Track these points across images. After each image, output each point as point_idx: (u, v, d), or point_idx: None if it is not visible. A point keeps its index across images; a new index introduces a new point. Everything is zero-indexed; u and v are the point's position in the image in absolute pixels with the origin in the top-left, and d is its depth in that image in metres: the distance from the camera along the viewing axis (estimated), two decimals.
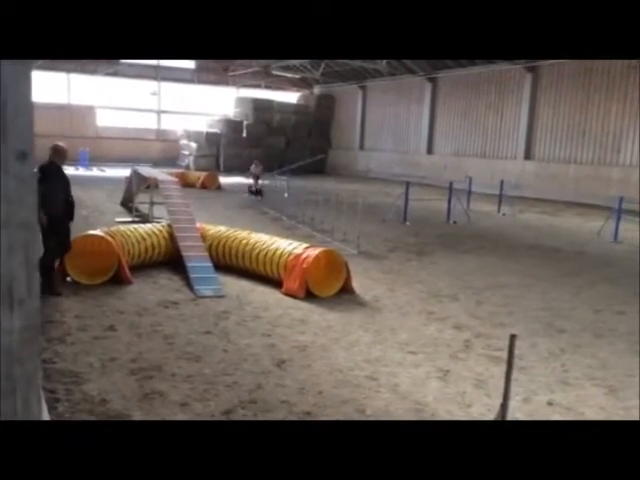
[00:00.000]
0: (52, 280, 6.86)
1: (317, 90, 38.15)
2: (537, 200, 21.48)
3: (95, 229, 8.25)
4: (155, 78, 35.25)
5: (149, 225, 9.39)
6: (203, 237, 8.82)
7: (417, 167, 29.12)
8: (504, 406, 2.58)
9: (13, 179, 1.32)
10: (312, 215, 13.68)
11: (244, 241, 8.53)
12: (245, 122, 33.86)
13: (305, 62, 31.27)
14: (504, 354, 5.65)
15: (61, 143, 7.21)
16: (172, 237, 8.69)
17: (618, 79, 20.88)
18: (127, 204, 14.81)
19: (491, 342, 6.06)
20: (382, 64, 28.64)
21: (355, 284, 7.88)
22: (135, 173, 14.23)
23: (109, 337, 5.74)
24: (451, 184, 15.51)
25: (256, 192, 19.39)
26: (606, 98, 21.42)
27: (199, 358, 5.29)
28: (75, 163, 26.74)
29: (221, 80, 36.55)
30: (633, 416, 4.47)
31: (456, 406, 4.56)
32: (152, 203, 12.38)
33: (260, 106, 34.10)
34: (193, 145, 32.60)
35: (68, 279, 7.43)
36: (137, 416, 4.12)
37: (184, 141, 33.82)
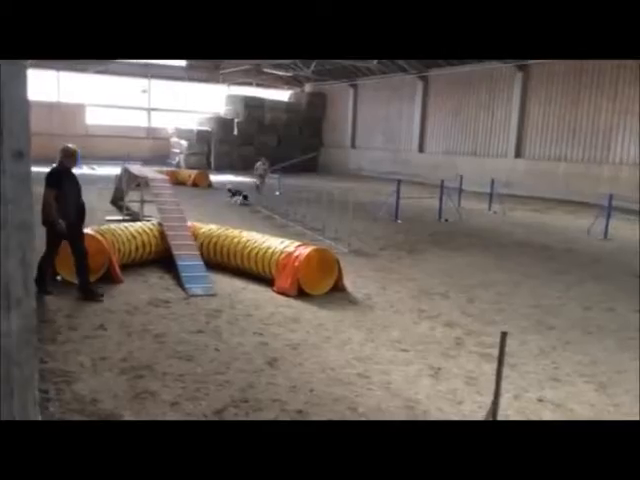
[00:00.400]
0: (44, 279, 6.83)
1: (308, 88, 38.11)
2: (527, 198, 21.58)
3: (86, 228, 8.21)
4: (145, 76, 35.05)
5: (140, 223, 9.35)
6: (194, 235, 8.80)
7: (408, 165, 29.16)
8: (495, 403, 2.59)
9: (10, 179, 1.31)
10: (304, 213, 13.67)
11: (236, 239, 8.52)
12: (236, 120, 33.76)
13: (296, 60, 31.23)
14: (495, 351, 5.67)
15: (71, 145, 7.02)
16: (163, 235, 8.66)
17: (608, 77, 21.00)
18: (117, 202, 14.74)
19: (482, 339, 6.09)
20: (373, 62, 28.65)
21: (347, 282, 7.89)
22: (125, 171, 14.16)
23: (99, 336, 5.71)
24: (442, 182, 15.55)
25: (244, 196, 17.31)
26: (596, 96, 21.55)
27: (190, 357, 5.28)
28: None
29: (212, 78, 36.41)
30: (623, 413, 4.51)
31: (447, 403, 4.58)
32: (143, 201, 12.32)
33: (251, 104, 34.01)
34: (184, 143, 32.47)
35: (58, 278, 7.39)
36: (128, 416, 4.10)
37: (175, 139, 33.69)
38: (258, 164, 20.92)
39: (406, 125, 30.82)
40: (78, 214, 6.94)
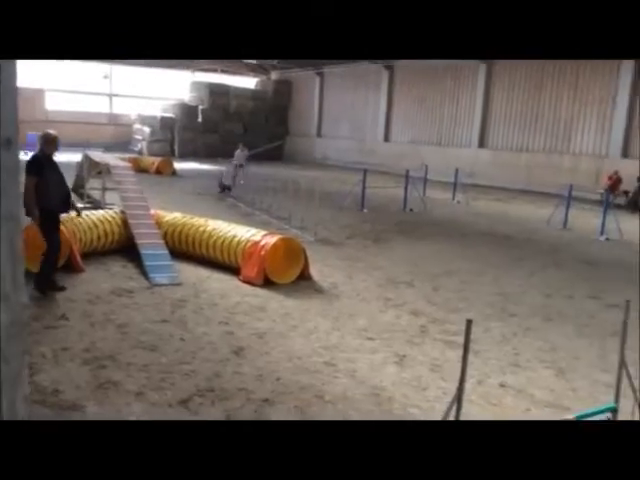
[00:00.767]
0: (54, 277, 6.64)
1: (274, 76, 37.82)
2: (490, 188, 21.94)
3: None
4: (107, 61, 34.22)
5: (101, 212, 9.16)
6: (158, 224, 8.66)
7: (374, 155, 29.28)
8: (460, 389, 2.64)
9: (1, 169, 1.26)
10: (270, 202, 13.61)
11: (201, 228, 8.42)
12: (201, 107, 33.30)
13: None
14: (459, 339, 5.78)
15: (52, 131, 6.74)
16: (126, 224, 8.50)
17: (569, 69, 21.43)
18: (78, 190, 14.37)
19: (446, 327, 6.18)
20: None
21: (313, 271, 7.90)
22: (86, 158, 13.82)
23: (61, 326, 5.59)
24: (407, 172, 15.67)
25: (224, 187, 16.60)
26: (557, 88, 21.98)
27: (155, 347, 5.21)
28: (24, 147, 25.77)
29: (176, 63, 35.71)
30: (580, 397, 4.65)
31: (412, 390, 4.64)
32: (104, 189, 12.06)
33: (216, 91, 33.57)
34: (146, 130, 31.87)
35: None
36: (90, 406, 4.04)
37: (137, 126, 33.02)
38: (237, 152, 19.80)
39: (372, 114, 30.91)
40: (63, 202, 6.71)
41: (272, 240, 7.56)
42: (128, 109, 34.98)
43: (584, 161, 20.82)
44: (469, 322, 2.63)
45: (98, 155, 14.60)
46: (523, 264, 9.53)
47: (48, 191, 6.35)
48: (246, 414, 4.07)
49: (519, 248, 11.00)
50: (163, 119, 32.26)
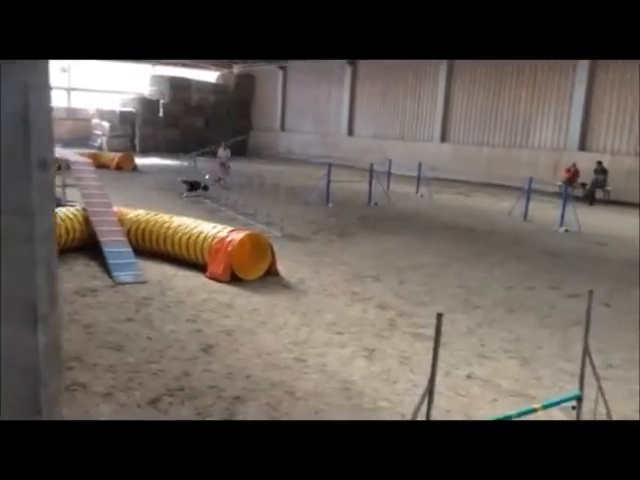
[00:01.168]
0: None
1: (237, 69, 37.46)
2: (453, 181, 22.25)
3: None
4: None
5: (62, 209, 8.93)
6: (121, 221, 8.50)
7: (338, 149, 29.33)
8: (431, 382, 2.68)
9: (35, 190, 1.25)
10: (235, 198, 13.51)
11: (166, 225, 8.30)
12: (162, 101, 32.74)
13: None
14: (426, 331, 5.87)
15: None
16: (87, 221, 8.32)
17: (527, 67, 21.86)
18: None
19: (413, 320, 6.26)
20: None
21: (280, 267, 7.89)
22: None
23: None
24: (372, 166, 15.75)
25: (192, 186, 15.09)
26: (516, 85, 22.41)
27: (121, 347, 5.13)
28: None
29: None
30: (544, 385, 4.78)
31: (382, 383, 4.69)
32: (64, 185, 11.77)
33: (177, 85, 33.05)
34: (106, 125, 31.17)
35: None
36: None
37: (96, 120, 32.27)
38: (220, 150, 18.28)
39: (335, 109, 30.95)
40: None
41: (239, 236, 7.51)
42: (87, 103, 34.15)
43: (543, 155, 21.32)
44: (439, 315, 2.67)
45: (57, 150, 14.22)
46: (486, 256, 9.71)
47: None
48: (217, 412, 4.04)
49: (482, 240, 11.20)
50: (123, 114, 31.60)
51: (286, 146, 33.48)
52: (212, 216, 11.46)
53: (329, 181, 14.80)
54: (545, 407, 3.29)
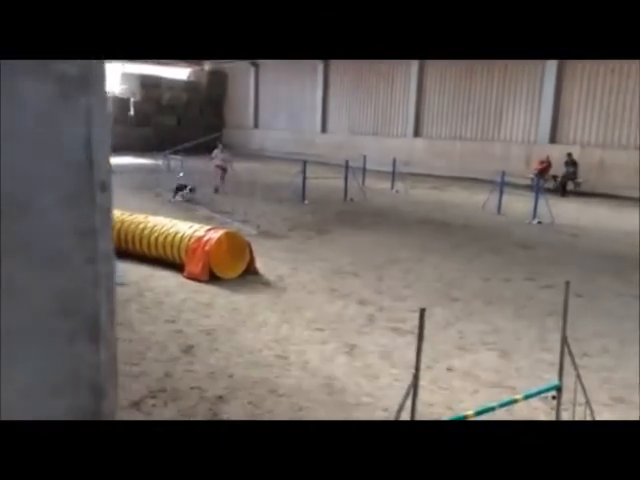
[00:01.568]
0: None
1: (208, 66, 37.14)
2: (427, 176, 22.42)
3: None
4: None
5: None
6: None
7: (312, 146, 29.33)
8: (416, 377, 2.71)
9: (98, 211, 1.32)
10: (211, 196, 13.41)
11: (141, 225, 8.22)
12: (132, 99, 32.33)
13: None
14: (406, 325, 5.92)
15: None
16: None
17: (498, 61, 22.10)
18: None
19: (393, 315, 6.31)
20: None
21: (258, 264, 7.87)
22: None
23: None
24: (347, 162, 15.79)
25: (190, 189, 13.99)
26: (487, 79, 22.66)
27: None
28: None
29: None
30: (523, 376, 4.86)
31: (364, 379, 4.72)
32: None
33: (148, 83, 32.67)
34: None
35: None
36: None
37: None
38: (216, 151, 16.59)
39: (308, 105, 30.92)
40: None
41: (216, 235, 7.47)
42: None
43: (515, 148, 21.60)
44: (422, 311, 2.70)
45: None
46: (462, 250, 9.82)
47: None
48: (201, 413, 4.03)
49: (457, 234, 11.32)
50: None
51: (260, 143, 33.35)
52: (188, 215, 11.37)
53: (304, 178, 14.79)
54: (526, 397, 3.35)
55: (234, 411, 4.07)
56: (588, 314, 6.47)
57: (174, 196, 14.05)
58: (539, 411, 4.18)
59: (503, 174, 14.13)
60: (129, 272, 7.55)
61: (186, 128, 33.09)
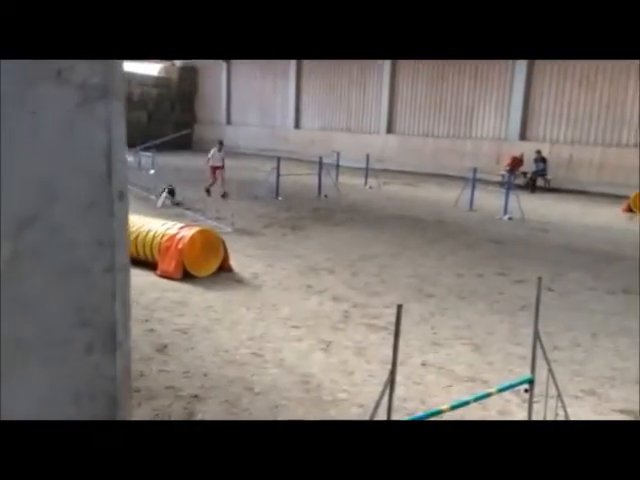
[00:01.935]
0: None
1: (179, 62, 36.71)
2: (400, 172, 22.57)
3: None
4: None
5: None
6: None
7: (285, 142, 29.25)
8: (393, 372, 2.72)
9: (116, 221, 1.32)
10: (182, 193, 13.28)
11: None
12: None
13: None
14: (380, 321, 5.96)
15: None
16: None
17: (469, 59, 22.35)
18: None
19: (368, 311, 6.34)
20: None
21: (233, 262, 7.82)
22: None
23: None
24: (321, 159, 15.80)
25: (170, 191, 12.96)
26: (459, 76, 22.89)
27: None
28: None
29: None
30: (496, 369, 4.93)
31: (340, 375, 4.73)
32: None
33: None
34: None
35: None
36: None
37: None
38: (213, 150, 15.05)
39: (281, 101, 30.82)
40: None
41: (189, 233, 7.40)
42: None
43: (486, 145, 21.88)
44: (399, 307, 2.72)
45: None
46: (435, 246, 9.92)
47: None
48: (176, 412, 3.99)
49: (431, 230, 11.42)
50: None
51: (232, 139, 33.10)
52: (159, 213, 11.25)
53: (278, 174, 14.75)
54: (500, 391, 3.40)
55: (210, 410, 4.05)
56: (559, 308, 6.59)
57: (161, 200, 12.96)
58: (512, 404, 4.25)
59: (475, 171, 14.30)
60: None
61: (157, 124, 32.73)
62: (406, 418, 3.54)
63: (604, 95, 18.77)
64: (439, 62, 23.27)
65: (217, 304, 6.38)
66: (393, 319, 5.27)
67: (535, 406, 3.60)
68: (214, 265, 7.54)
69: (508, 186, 13.35)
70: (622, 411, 4.25)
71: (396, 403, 3.75)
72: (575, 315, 6.43)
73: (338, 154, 19.32)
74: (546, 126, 20.40)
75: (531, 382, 3.43)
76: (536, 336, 3.39)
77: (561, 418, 3.42)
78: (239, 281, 7.35)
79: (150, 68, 36.03)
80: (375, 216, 12.84)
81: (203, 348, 5.16)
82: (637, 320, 6.15)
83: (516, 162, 19.02)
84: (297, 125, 30.12)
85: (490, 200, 14.78)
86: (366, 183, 18.37)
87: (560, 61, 19.54)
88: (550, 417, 3.48)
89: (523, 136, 20.91)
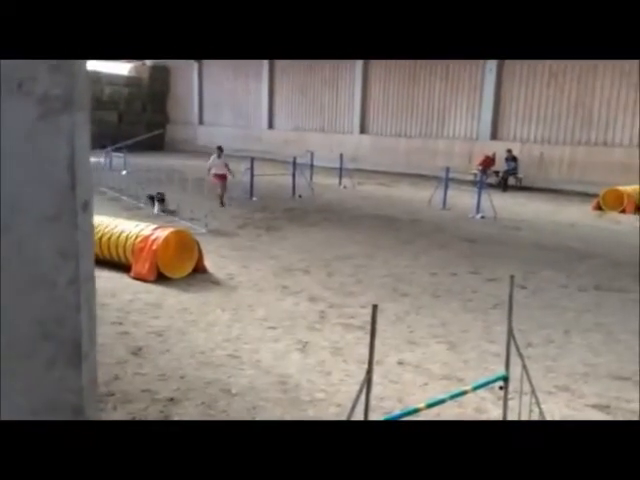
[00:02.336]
0: None
1: (150, 62, 36.29)
2: (373, 172, 22.67)
3: None
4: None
5: None
6: None
7: (259, 142, 29.15)
8: (369, 371, 2.74)
9: (80, 232, 1.30)
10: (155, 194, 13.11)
11: None
12: None
13: None
14: (356, 321, 5.98)
15: None
16: None
17: (440, 60, 22.57)
18: None
19: (343, 311, 6.35)
20: None
21: (207, 263, 7.77)
22: None
23: None
24: (295, 159, 15.78)
25: (159, 199, 12.13)
26: (430, 77, 23.09)
27: None
28: None
29: None
30: (471, 367, 4.99)
31: (317, 375, 4.74)
32: None
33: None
34: None
35: None
36: None
37: None
38: (213, 157, 14.03)
39: (254, 102, 30.70)
40: None
41: (163, 234, 7.33)
42: None
43: (458, 144, 22.12)
44: (375, 307, 2.73)
45: None
46: (410, 245, 9.99)
47: None
48: (152, 415, 3.95)
49: (405, 230, 11.50)
50: None
51: (205, 140, 32.87)
52: (132, 214, 11.12)
53: (252, 175, 14.69)
54: (475, 389, 3.44)
55: (187, 412, 4.01)
56: (532, 306, 6.69)
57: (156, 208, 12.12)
58: (487, 401, 4.31)
59: (447, 170, 14.43)
60: None
61: (128, 124, 32.32)
62: (383, 417, 3.55)
63: (572, 95, 19.13)
64: (411, 63, 23.44)
65: (192, 306, 6.33)
66: (369, 319, 5.30)
67: (510, 403, 3.65)
68: (189, 266, 7.48)
69: (480, 185, 13.51)
70: (595, 406, 4.34)
71: (373, 402, 3.77)
72: (548, 312, 6.54)
73: (312, 154, 19.32)
74: (516, 126, 20.70)
75: (505, 379, 3.48)
76: (510, 333, 3.44)
77: (535, 414, 3.47)
78: (214, 282, 7.30)
79: (120, 67, 35.53)
80: (350, 216, 12.87)
81: (179, 350, 5.11)
82: (609, 316, 6.29)
83: (488, 161, 19.26)
84: (271, 125, 30.03)
85: (463, 199, 14.94)
86: (340, 183, 18.42)
87: (529, 61, 19.86)
88: (525, 413, 3.54)
89: (494, 136, 21.20)
